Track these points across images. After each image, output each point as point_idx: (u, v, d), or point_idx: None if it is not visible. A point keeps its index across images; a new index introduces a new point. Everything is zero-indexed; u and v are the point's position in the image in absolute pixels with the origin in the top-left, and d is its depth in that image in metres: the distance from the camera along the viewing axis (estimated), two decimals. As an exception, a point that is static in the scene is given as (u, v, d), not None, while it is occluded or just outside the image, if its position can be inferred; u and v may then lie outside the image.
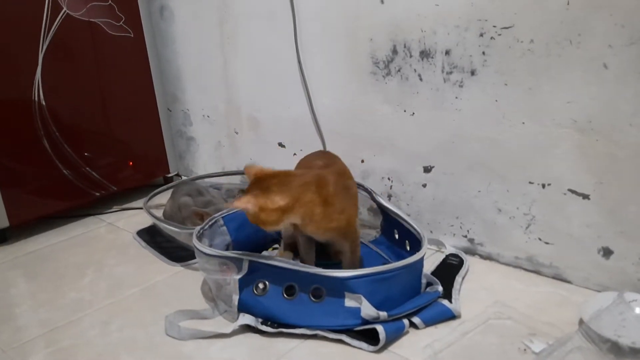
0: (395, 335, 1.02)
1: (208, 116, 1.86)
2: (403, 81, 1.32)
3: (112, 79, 1.70)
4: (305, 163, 1.26)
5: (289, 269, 1.06)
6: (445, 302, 1.09)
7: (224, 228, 1.31)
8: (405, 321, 1.04)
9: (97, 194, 1.71)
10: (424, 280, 1.14)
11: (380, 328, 1.00)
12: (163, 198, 1.66)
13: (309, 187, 1.04)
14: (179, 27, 1.81)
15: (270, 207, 1.01)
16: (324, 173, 1.10)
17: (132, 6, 1.70)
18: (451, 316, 1.08)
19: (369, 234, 1.40)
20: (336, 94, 1.46)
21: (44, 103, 1.55)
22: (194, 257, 1.19)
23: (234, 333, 1.06)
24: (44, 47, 1.53)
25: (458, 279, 1.19)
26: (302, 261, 1.18)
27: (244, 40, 1.63)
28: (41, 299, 1.25)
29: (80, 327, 1.14)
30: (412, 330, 1.05)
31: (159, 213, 1.59)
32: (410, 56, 1.28)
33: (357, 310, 1.02)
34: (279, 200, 1.02)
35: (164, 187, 1.72)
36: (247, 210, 1.01)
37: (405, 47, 1.29)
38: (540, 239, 1.20)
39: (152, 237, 1.53)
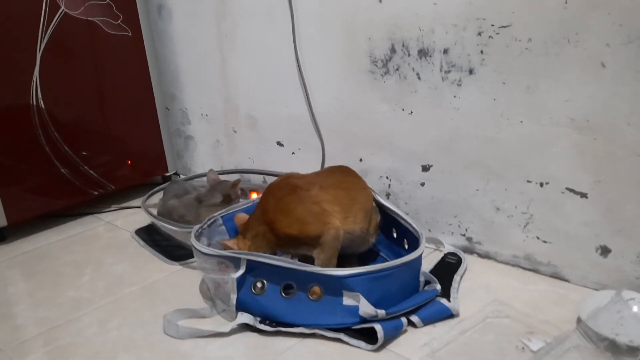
0: (393, 333, 1.02)
1: (206, 115, 1.86)
2: (401, 80, 1.32)
3: (110, 78, 1.70)
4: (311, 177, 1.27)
5: (287, 267, 1.06)
6: (443, 300, 1.09)
7: (223, 227, 1.31)
8: (404, 319, 1.04)
9: (96, 192, 1.71)
10: (422, 279, 1.14)
11: (378, 327, 1.00)
12: (161, 197, 1.66)
13: (257, 219, 1.17)
14: (177, 26, 1.80)
15: (245, 248, 1.15)
16: (265, 196, 1.20)
17: (130, 5, 1.70)
18: (449, 315, 1.08)
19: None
20: (334, 93, 1.46)
21: (42, 102, 1.55)
22: (193, 256, 1.19)
23: (232, 332, 1.06)
24: (42, 46, 1.53)
25: (456, 277, 1.19)
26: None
27: (242, 39, 1.63)
28: (39, 298, 1.25)
29: (79, 325, 1.14)
30: (410, 329, 1.05)
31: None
32: (409, 55, 1.28)
33: (355, 309, 1.02)
34: (247, 242, 1.16)
35: (163, 185, 1.71)
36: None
37: (403, 46, 1.29)
38: (538, 238, 1.21)
39: (150, 235, 1.53)
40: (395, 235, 1.29)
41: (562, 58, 1.06)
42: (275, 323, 1.07)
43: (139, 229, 1.57)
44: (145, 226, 1.58)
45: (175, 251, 1.41)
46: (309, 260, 1.15)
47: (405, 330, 1.04)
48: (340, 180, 1.22)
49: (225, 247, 1.15)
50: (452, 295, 1.13)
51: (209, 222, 1.28)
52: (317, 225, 1.12)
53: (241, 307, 1.10)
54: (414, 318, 1.05)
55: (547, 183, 1.16)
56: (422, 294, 1.10)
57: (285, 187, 1.18)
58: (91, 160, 1.68)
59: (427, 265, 1.22)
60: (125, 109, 1.75)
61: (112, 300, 1.23)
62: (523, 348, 0.97)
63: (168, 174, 1.91)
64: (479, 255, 1.32)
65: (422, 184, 1.37)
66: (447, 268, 1.24)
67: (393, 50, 1.31)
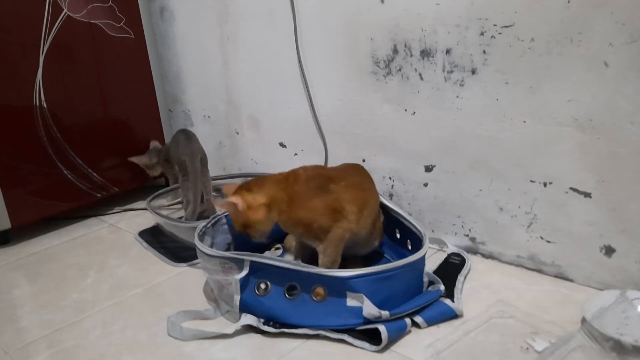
0: (397, 334, 1.02)
1: (209, 116, 1.86)
2: (404, 80, 1.32)
3: (113, 80, 1.70)
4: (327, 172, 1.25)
5: (290, 269, 1.06)
6: (447, 301, 1.09)
7: (226, 227, 1.31)
8: (408, 320, 1.04)
9: (99, 195, 1.71)
10: (425, 279, 1.14)
11: (382, 328, 1.00)
12: (165, 199, 1.66)
13: (279, 185, 1.14)
14: (179, 28, 1.81)
15: (255, 205, 1.11)
16: (296, 171, 1.17)
17: (133, 7, 1.70)
18: (453, 315, 1.08)
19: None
20: (337, 94, 1.46)
21: (45, 105, 1.55)
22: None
23: (236, 333, 1.06)
24: (45, 49, 1.53)
25: (460, 278, 1.19)
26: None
27: (244, 41, 1.63)
28: (43, 300, 1.26)
29: (83, 328, 1.14)
30: (414, 330, 1.05)
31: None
32: (411, 55, 1.28)
33: (359, 310, 1.02)
34: (260, 198, 1.12)
35: (167, 188, 1.72)
36: (237, 207, 1.09)
37: (405, 46, 1.29)
38: (542, 238, 1.20)
39: (154, 237, 1.53)
40: (398, 236, 1.29)
41: (565, 58, 1.06)
42: (279, 324, 1.07)
43: (142, 230, 1.57)
44: (148, 228, 1.58)
45: (181, 252, 1.41)
46: (314, 261, 1.15)
47: (409, 331, 1.04)
48: (361, 182, 1.22)
49: (227, 208, 1.13)
50: (455, 295, 1.13)
51: (212, 221, 1.28)
52: (329, 220, 1.12)
53: (245, 308, 1.10)
54: (418, 319, 1.05)
55: (550, 183, 1.16)
56: (426, 295, 1.10)
57: (318, 175, 1.17)
58: (94, 162, 1.68)
59: (430, 265, 1.22)
60: (128, 111, 1.75)
61: (115, 302, 1.23)
62: (527, 348, 0.97)
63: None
64: (483, 255, 1.32)
65: (425, 185, 1.37)
66: (451, 268, 1.24)
67: (395, 50, 1.31)
